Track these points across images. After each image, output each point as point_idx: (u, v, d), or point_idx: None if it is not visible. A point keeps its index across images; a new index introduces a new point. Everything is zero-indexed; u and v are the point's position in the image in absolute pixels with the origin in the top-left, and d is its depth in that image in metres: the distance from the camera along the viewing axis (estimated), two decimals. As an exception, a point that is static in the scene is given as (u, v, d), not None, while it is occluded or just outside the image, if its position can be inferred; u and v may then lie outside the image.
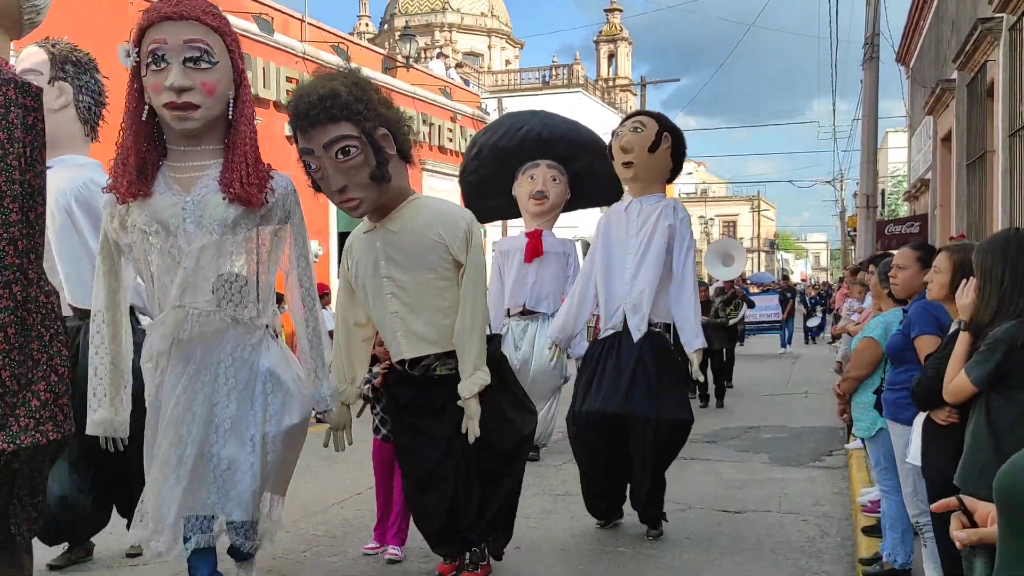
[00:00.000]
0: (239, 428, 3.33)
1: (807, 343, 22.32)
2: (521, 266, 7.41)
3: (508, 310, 7.49)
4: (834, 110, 32.62)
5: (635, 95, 40.24)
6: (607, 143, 6.84)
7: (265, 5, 14.39)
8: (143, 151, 3.24)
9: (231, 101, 3.30)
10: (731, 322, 12.19)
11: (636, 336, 5.15)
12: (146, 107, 3.23)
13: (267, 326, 3.42)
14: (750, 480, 6.85)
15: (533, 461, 7.35)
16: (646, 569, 4.74)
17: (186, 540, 3.40)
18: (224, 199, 3.23)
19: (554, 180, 7.27)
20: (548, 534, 5.39)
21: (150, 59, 3.19)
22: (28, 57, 4.34)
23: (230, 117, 3.31)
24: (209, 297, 3.27)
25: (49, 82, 4.25)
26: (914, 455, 3.57)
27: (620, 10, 48.40)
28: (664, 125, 5.39)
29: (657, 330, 5.22)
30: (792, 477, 6.95)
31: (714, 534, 5.37)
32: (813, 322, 22.67)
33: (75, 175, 4.25)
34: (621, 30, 47.66)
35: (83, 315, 4.19)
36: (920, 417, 3.50)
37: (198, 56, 3.19)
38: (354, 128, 3.51)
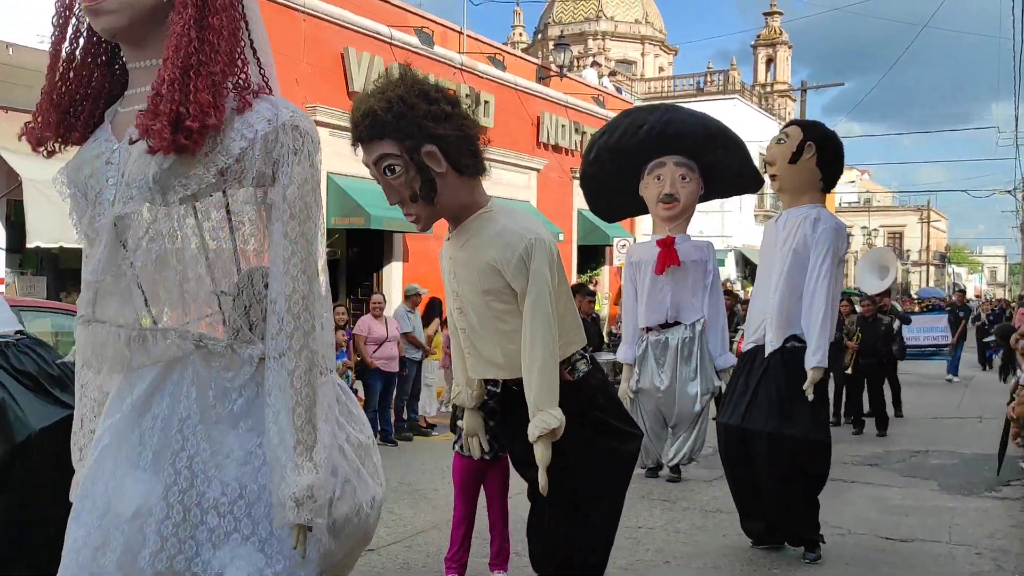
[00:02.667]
0: (214, 543, 1.97)
1: (984, 367, 19.12)
2: (654, 279, 6.81)
3: (647, 327, 6.96)
4: (1016, 114, 30.13)
5: (794, 100, 38.87)
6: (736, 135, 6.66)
7: (426, 19, 14.90)
8: (77, 73, 2.15)
9: None
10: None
11: (769, 350, 5.12)
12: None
13: (259, 360, 2.06)
14: (916, 507, 6.46)
15: (674, 482, 7.10)
16: (802, 593, 4.56)
17: None
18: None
19: (683, 179, 6.68)
20: (698, 550, 5.29)
21: None
22: None
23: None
24: (142, 307, 2.07)
25: None
26: None
27: (780, 13, 46.92)
28: (810, 134, 5.26)
29: (793, 345, 5.06)
30: (964, 507, 6.49)
31: (876, 562, 5.10)
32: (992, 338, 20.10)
33: None
34: (781, 33, 46.17)
35: None
36: None
37: None
38: (395, 146, 3.28)
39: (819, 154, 5.21)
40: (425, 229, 3.67)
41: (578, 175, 7.31)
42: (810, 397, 4.94)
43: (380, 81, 3.40)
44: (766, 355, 5.12)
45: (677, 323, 6.86)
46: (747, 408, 5.08)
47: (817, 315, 4.97)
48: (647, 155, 6.70)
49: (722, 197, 7.47)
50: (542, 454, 3.44)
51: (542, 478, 3.48)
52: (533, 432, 3.43)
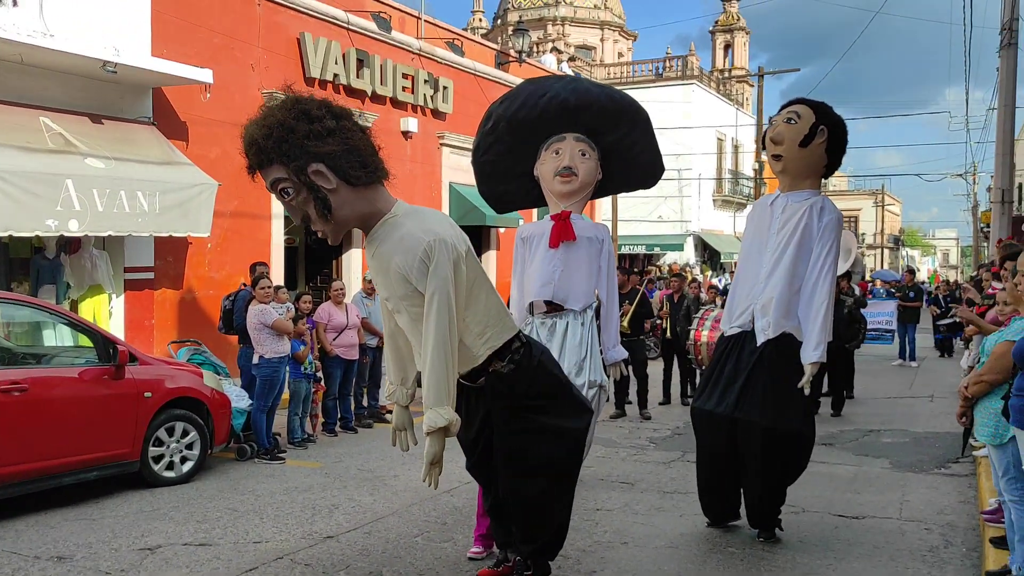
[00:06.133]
0: None
1: (941, 353, 18.00)
2: (546, 253, 6.02)
3: (531, 306, 6.11)
4: (967, 99, 30.80)
5: (752, 86, 39.20)
6: (646, 113, 6.10)
7: (383, 3, 14.73)
8: None
9: None
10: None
11: (761, 339, 5.02)
12: None
13: None
14: (868, 485, 6.61)
15: None
16: (757, 571, 4.65)
17: None
18: None
19: (583, 155, 5.97)
20: (656, 531, 5.36)
21: None
22: None
23: None
24: None
25: None
26: None
27: (738, -1, 47.17)
28: (823, 118, 5.13)
29: (785, 334, 5.00)
30: (914, 484, 6.66)
31: (829, 539, 5.21)
32: (947, 321, 17.46)
33: None
34: (738, 19, 46.46)
35: None
36: None
37: None
38: (283, 170, 3.35)
39: (829, 139, 5.11)
40: (335, 243, 3.70)
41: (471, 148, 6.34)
42: (807, 392, 4.92)
43: (263, 108, 3.45)
44: (758, 343, 5.01)
45: (563, 308, 6.02)
46: (739, 397, 4.97)
47: (819, 308, 4.92)
48: (547, 130, 6.00)
49: (616, 192, 6.78)
50: (427, 449, 3.50)
51: (424, 470, 3.54)
52: (424, 427, 3.49)
